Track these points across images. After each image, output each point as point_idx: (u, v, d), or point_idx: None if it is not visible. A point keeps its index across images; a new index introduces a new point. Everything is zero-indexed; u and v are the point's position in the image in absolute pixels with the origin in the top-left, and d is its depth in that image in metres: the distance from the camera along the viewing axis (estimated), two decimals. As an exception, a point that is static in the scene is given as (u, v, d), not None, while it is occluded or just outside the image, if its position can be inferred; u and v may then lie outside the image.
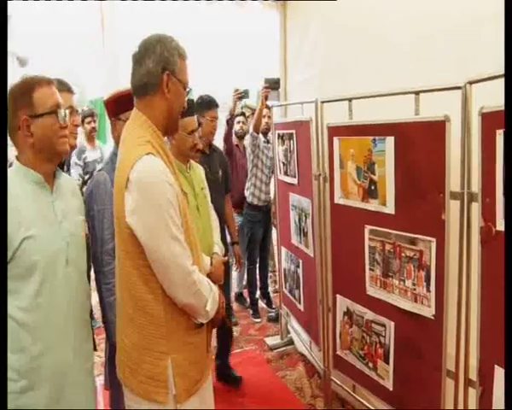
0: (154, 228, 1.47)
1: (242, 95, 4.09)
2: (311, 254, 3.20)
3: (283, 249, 3.87)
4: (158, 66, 1.54)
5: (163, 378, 1.57)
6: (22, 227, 1.52)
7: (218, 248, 2.45)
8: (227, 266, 3.52)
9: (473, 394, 1.87)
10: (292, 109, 4.08)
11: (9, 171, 1.60)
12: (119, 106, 2.20)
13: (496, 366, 1.69)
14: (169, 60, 1.55)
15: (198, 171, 2.63)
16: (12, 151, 1.78)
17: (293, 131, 3.33)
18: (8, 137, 1.62)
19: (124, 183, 1.47)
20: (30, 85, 1.58)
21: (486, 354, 1.77)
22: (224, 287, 3.70)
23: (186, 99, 1.69)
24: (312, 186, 3.07)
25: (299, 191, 3.33)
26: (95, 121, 4.92)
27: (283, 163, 3.62)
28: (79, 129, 2.45)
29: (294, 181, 3.41)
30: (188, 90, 1.67)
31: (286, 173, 3.59)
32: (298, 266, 3.54)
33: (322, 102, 2.86)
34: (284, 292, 3.95)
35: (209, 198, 2.64)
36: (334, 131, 2.69)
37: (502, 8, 1.81)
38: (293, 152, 3.38)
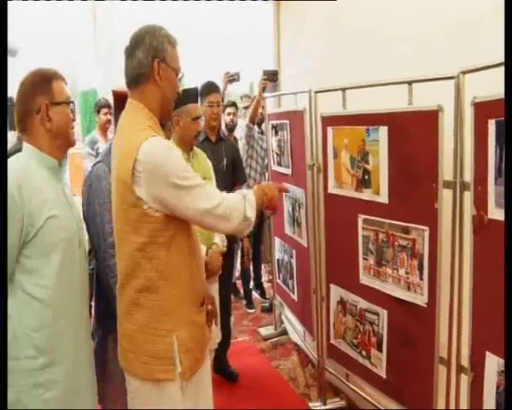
0: (172, 194, 1.52)
1: (234, 78, 4.02)
2: (305, 244, 3.21)
3: (277, 240, 3.88)
4: (148, 55, 1.60)
5: (169, 355, 1.60)
6: (46, 206, 1.58)
7: (218, 238, 2.43)
8: (231, 253, 3.52)
9: (465, 380, 1.89)
10: (285, 100, 4.08)
11: (18, 155, 1.65)
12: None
13: (487, 352, 1.72)
14: (158, 48, 1.61)
15: (202, 159, 2.59)
16: (12, 135, 1.82)
17: (287, 122, 3.33)
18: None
19: (129, 166, 1.50)
20: (49, 75, 1.67)
21: (478, 341, 1.79)
22: (227, 274, 3.74)
23: (181, 85, 1.75)
24: (306, 176, 3.08)
25: (293, 181, 3.34)
26: (111, 113, 4.77)
27: (277, 154, 3.63)
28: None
29: (288, 171, 3.41)
30: (180, 76, 1.72)
31: (279, 164, 3.59)
32: (291, 257, 3.55)
33: (316, 92, 2.86)
34: (278, 282, 3.97)
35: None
36: (328, 121, 2.69)
37: (500, 3, 1.83)
38: (286, 142, 3.38)
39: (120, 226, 1.64)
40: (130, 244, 1.60)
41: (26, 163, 1.61)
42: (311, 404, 3.13)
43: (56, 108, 1.66)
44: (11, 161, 1.58)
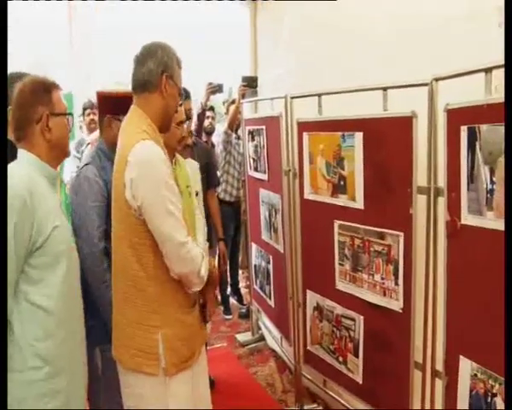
0: (150, 203, 1.60)
1: (216, 89, 4.00)
2: (281, 250, 3.21)
3: (254, 245, 3.87)
4: (158, 67, 1.71)
5: (154, 351, 1.67)
6: (51, 216, 1.59)
7: (202, 249, 2.40)
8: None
9: (439, 384, 1.91)
10: (262, 105, 4.08)
11: (17, 163, 1.62)
12: (120, 106, 2.11)
13: (461, 356, 1.73)
14: (168, 64, 1.73)
15: (184, 168, 2.56)
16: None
17: (263, 127, 3.32)
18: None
19: (123, 165, 1.61)
20: (49, 85, 1.69)
21: (452, 345, 1.81)
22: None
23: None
24: (282, 182, 3.08)
25: (269, 187, 3.33)
26: (94, 113, 4.66)
27: (253, 159, 3.62)
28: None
29: (264, 177, 3.41)
30: (180, 100, 1.86)
31: (256, 169, 3.58)
32: (268, 262, 3.54)
33: (292, 97, 2.86)
34: (255, 288, 3.95)
35: (194, 196, 2.62)
36: (304, 126, 2.70)
37: (472, 9, 1.86)
38: (263, 148, 3.38)
39: (116, 223, 1.73)
40: (123, 241, 1.69)
41: (29, 170, 1.60)
42: (288, 410, 3.12)
43: (56, 119, 1.68)
44: (13, 167, 1.56)
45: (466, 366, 1.71)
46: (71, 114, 1.77)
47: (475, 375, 1.66)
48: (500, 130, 1.51)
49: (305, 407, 3.09)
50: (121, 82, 2.80)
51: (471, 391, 1.68)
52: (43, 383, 1.57)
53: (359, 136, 2.26)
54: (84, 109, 4.67)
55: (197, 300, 1.86)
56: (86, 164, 2.14)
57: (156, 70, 1.71)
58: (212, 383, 3.40)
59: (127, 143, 1.64)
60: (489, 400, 1.59)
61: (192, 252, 1.67)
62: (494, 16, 1.79)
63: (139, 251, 1.66)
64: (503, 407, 1.53)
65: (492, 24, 1.80)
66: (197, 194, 2.88)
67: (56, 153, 1.71)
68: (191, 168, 2.80)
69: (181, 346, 1.73)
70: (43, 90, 1.67)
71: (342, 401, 2.69)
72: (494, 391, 1.57)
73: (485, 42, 1.86)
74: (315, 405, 3.14)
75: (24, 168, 1.59)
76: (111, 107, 2.20)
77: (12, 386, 1.49)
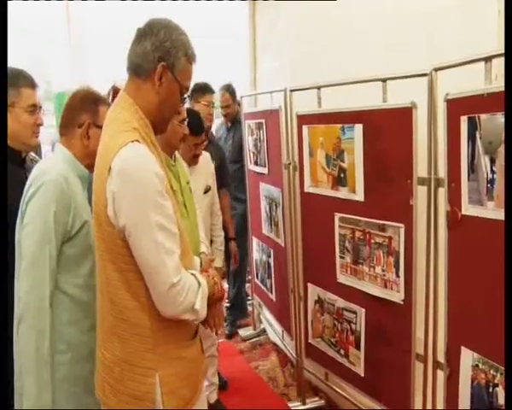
0: (135, 227, 1.28)
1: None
2: (282, 244, 3.20)
3: (254, 239, 3.86)
4: (155, 52, 1.36)
5: (150, 398, 1.38)
6: (84, 210, 1.66)
7: (205, 246, 2.28)
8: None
9: (441, 376, 1.90)
10: (261, 99, 4.06)
11: (54, 156, 1.76)
12: None
13: (462, 347, 1.73)
14: (170, 52, 1.37)
15: (182, 164, 2.54)
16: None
17: (263, 121, 3.31)
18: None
19: (105, 173, 1.30)
20: (98, 98, 1.79)
21: (453, 336, 1.80)
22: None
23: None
24: (282, 175, 3.07)
25: (270, 181, 3.33)
26: None
27: (253, 153, 3.61)
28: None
29: (265, 171, 3.40)
30: (185, 97, 1.50)
31: (256, 163, 3.57)
32: (269, 256, 3.53)
33: (292, 90, 2.85)
34: (256, 282, 3.95)
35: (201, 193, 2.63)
36: (304, 119, 2.69)
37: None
38: (263, 142, 3.37)
39: (98, 241, 1.42)
40: (107, 264, 1.39)
41: (64, 165, 1.68)
42: (290, 404, 3.12)
43: (96, 130, 1.70)
44: (50, 159, 1.70)
45: (467, 357, 1.70)
46: None
47: (477, 365, 1.65)
48: (500, 119, 1.50)
49: (308, 401, 3.10)
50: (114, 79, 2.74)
51: (472, 382, 1.67)
52: (67, 367, 1.63)
53: (359, 128, 2.25)
54: None
55: (198, 328, 1.55)
56: None
57: (152, 54, 1.36)
58: (225, 384, 3.39)
59: (111, 145, 1.32)
60: (490, 390, 1.59)
61: (183, 292, 1.34)
62: (494, 3, 1.78)
63: (128, 277, 1.35)
64: (504, 397, 1.53)
65: (492, 11, 1.79)
66: (209, 189, 2.87)
67: (91, 161, 1.69)
68: (204, 161, 2.80)
69: (181, 387, 1.44)
70: (92, 100, 1.76)
71: (344, 394, 2.69)
72: (496, 381, 1.57)
73: (486, 29, 1.85)
74: (317, 398, 3.14)
75: (59, 163, 1.68)
76: None
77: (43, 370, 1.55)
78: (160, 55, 1.36)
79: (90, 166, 1.76)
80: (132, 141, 1.30)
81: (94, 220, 1.42)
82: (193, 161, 2.65)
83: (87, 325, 1.67)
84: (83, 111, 1.74)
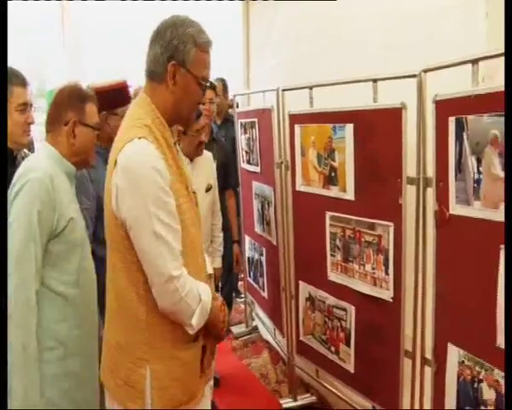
0: (135, 219, 1.32)
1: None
2: (274, 242, 3.22)
3: (247, 238, 3.88)
4: (164, 53, 1.39)
5: (139, 387, 1.40)
6: (69, 207, 1.67)
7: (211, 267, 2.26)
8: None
9: (428, 372, 1.93)
10: (254, 98, 4.08)
11: (40, 154, 1.75)
12: (114, 98, 2.11)
13: (449, 343, 1.76)
14: (179, 49, 1.38)
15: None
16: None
17: (256, 120, 3.33)
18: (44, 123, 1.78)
19: (112, 166, 1.36)
20: (85, 96, 1.78)
21: (440, 333, 1.83)
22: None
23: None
24: (274, 174, 3.09)
25: (262, 179, 3.35)
26: None
27: (246, 152, 3.63)
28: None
29: (257, 169, 3.42)
30: (205, 85, 1.48)
31: (249, 162, 3.59)
32: (261, 255, 3.56)
33: (284, 90, 2.87)
34: (248, 280, 3.97)
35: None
36: (296, 118, 2.71)
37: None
38: (255, 140, 3.39)
39: (106, 229, 1.47)
40: (113, 252, 1.44)
41: (50, 163, 1.68)
42: (281, 400, 3.14)
43: (83, 129, 1.74)
44: (34, 158, 1.69)
45: (454, 354, 1.73)
46: (99, 129, 1.84)
47: (462, 362, 1.69)
48: (486, 120, 1.53)
49: (299, 397, 3.12)
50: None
51: (458, 378, 1.71)
52: (57, 364, 1.64)
53: (350, 127, 2.27)
54: None
55: (200, 335, 1.51)
56: None
57: (162, 56, 1.38)
58: (217, 381, 3.39)
59: (121, 139, 1.38)
60: (475, 385, 1.62)
61: (183, 291, 1.36)
62: (481, 6, 1.81)
63: (129, 268, 1.39)
64: (489, 392, 1.56)
65: (479, 14, 1.82)
66: (210, 188, 2.87)
67: (78, 159, 1.78)
68: (206, 159, 2.80)
69: (173, 387, 1.43)
70: (79, 98, 1.75)
71: (334, 391, 2.72)
72: (480, 377, 1.60)
73: (474, 32, 1.88)
74: (308, 395, 3.17)
75: (45, 161, 1.67)
76: (105, 101, 2.06)
77: (32, 367, 1.56)
78: (168, 54, 1.38)
79: (78, 164, 1.80)
80: (139, 137, 1.33)
81: (105, 209, 1.45)
82: (198, 151, 2.60)
83: (77, 320, 1.70)
84: (69, 108, 1.72)
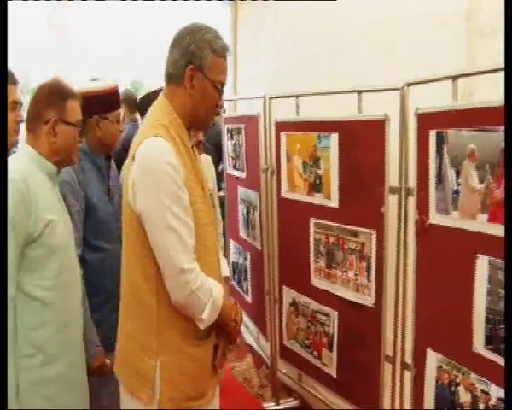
0: (149, 211, 1.39)
1: None
2: (259, 247, 3.26)
3: (232, 242, 3.91)
4: (183, 58, 1.47)
5: (149, 378, 1.45)
6: (48, 210, 1.61)
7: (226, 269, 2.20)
8: None
9: (408, 376, 1.99)
10: (241, 104, 4.12)
11: (18, 155, 1.71)
12: (105, 103, 2.08)
13: (428, 349, 1.81)
14: (196, 54, 1.46)
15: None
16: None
17: (242, 126, 3.37)
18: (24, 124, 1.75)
19: (131, 161, 1.45)
20: (66, 92, 1.72)
21: (420, 338, 1.89)
22: None
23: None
24: (260, 180, 3.13)
25: (248, 185, 3.38)
26: None
27: (232, 157, 3.66)
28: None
29: (243, 175, 3.45)
30: (222, 89, 1.55)
31: (235, 167, 3.63)
32: (246, 259, 3.59)
33: (271, 98, 2.92)
34: (233, 284, 4.00)
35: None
36: (282, 126, 2.76)
37: (442, 16, 1.92)
38: (242, 146, 3.42)
39: (123, 223, 1.54)
40: (127, 246, 1.52)
41: (27, 164, 1.63)
42: (265, 404, 3.18)
43: (64, 127, 1.69)
44: (12, 161, 1.59)
45: (432, 358, 1.79)
46: (81, 126, 1.78)
47: (441, 366, 1.74)
48: (465, 134, 1.59)
49: (281, 401, 3.16)
50: (97, 77, 2.72)
51: (437, 382, 1.76)
52: (37, 371, 1.60)
53: (335, 137, 2.33)
54: None
55: (212, 333, 1.56)
56: None
57: (180, 61, 1.46)
58: None
59: (140, 137, 1.46)
60: (452, 389, 1.68)
61: (195, 284, 1.40)
62: (462, 23, 1.88)
63: (143, 261, 1.44)
64: (465, 395, 1.62)
65: (461, 30, 1.89)
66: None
67: (59, 158, 1.73)
68: (205, 164, 2.81)
69: (183, 381, 1.47)
70: (59, 95, 1.70)
71: (317, 395, 2.76)
72: (457, 381, 1.65)
73: (456, 48, 1.95)
74: (291, 399, 3.21)
75: (22, 162, 1.63)
76: (96, 106, 2.06)
77: (8, 373, 1.51)
78: (187, 59, 1.47)
79: (61, 163, 1.75)
80: (155, 135, 1.41)
81: (122, 204, 1.54)
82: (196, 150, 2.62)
83: (58, 325, 1.65)
84: (48, 107, 1.67)
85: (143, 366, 1.46)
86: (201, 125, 1.64)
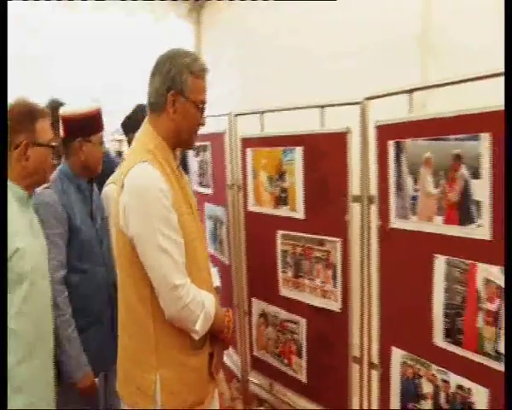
0: (142, 235, 1.45)
1: None
2: (227, 262, 3.31)
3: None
4: (164, 85, 1.52)
5: (150, 393, 1.51)
6: (16, 237, 1.57)
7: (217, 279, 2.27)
8: None
9: (375, 375, 2.09)
10: (209, 122, 4.18)
11: None
12: (88, 126, 2.04)
13: (393, 347, 1.92)
14: (176, 79, 1.51)
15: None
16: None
17: (208, 143, 3.44)
18: None
19: (120, 188, 1.50)
20: (34, 113, 1.66)
21: (385, 337, 1.99)
22: None
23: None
24: (227, 195, 3.20)
25: (214, 200, 3.44)
26: None
27: (198, 174, 3.71)
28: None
29: (209, 191, 3.51)
30: (203, 108, 1.61)
31: (201, 184, 3.68)
32: (214, 274, 3.62)
33: (236, 115, 3.01)
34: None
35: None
36: (247, 142, 2.84)
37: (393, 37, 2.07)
38: (208, 163, 3.49)
39: (115, 248, 1.60)
40: (122, 269, 1.57)
41: None
42: (236, 416, 3.20)
43: (36, 149, 1.65)
44: None
45: (397, 355, 1.89)
46: (53, 146, 1.73)
47: (405, 362, 1.85)
48: (421, 144, 1.72)
49: (252, 411, 3.20)
50: (97, 99, 2.63)
51: (402, 377, 1.87)
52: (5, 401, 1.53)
53: (299, 150, 2.43)
54: None
55: (207, 341, 1.64)
56: (45, 187, 1.98)
57: (162, 88, 1.52)
58: None
59: (128, 164, 1.50)
60: (416, 382, 1.78)
61: (187, 298, 1.46)
62: (411, 43, 2.03)
63: (137, 283, 1.50)
64: (427, 386, 1.73)
65: (410, 50, 2.04)
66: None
67: (32, 180, 1.70)
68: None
69: (184, 391, 1.55)
70: (28, 117, 1.65)
71: (287, 400, 2.81)
72: (420, 373, 1.76)
73: (407, 64, 2.10)
74: (262, 408, 3.24)
75: None
76: (78, 129, 2.03)
77: None
78: (167, 85, 1.52)
79: (33, 185, 1.72)
80: (143, 161, 1.46)
81: (112, 228, 1.60)
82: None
83: (21, 354, 1.59)
84: (18, 132, 1.62)
85: (144, 381, 1.52)
86: (186, 144, 1.69)
